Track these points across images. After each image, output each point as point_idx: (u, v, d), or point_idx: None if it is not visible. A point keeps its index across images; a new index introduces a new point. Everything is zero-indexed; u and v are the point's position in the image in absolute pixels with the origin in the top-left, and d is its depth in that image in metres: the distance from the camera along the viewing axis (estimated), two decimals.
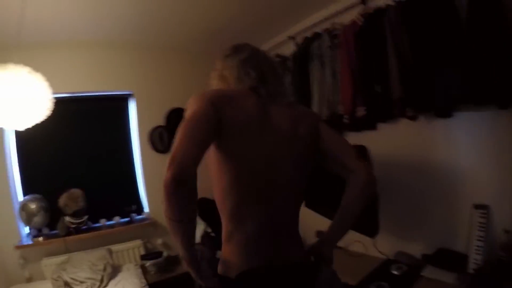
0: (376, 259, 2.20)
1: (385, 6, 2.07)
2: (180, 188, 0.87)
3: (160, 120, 3.60)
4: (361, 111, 2.26)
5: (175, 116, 3.59)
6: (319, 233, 2.74)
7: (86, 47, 3.23)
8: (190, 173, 0.88)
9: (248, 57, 1.21)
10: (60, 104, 2.56)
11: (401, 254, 2.12)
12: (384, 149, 2.18)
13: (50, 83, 2.22)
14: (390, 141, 2.24)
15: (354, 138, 2.38)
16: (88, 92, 3.32)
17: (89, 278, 2.72)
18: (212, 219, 3.02)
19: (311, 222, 2.29)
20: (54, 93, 2.28)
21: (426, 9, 1.80)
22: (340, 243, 2.42)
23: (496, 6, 1.54)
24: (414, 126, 2.06)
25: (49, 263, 2.90)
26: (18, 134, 3.05)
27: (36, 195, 3.06)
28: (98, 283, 2.73)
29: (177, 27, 3.05)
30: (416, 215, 2.13)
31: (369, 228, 1.94)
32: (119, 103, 3.58)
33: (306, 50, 2.67)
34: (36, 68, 2.14)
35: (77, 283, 2.68)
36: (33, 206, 2.96)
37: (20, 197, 3.13)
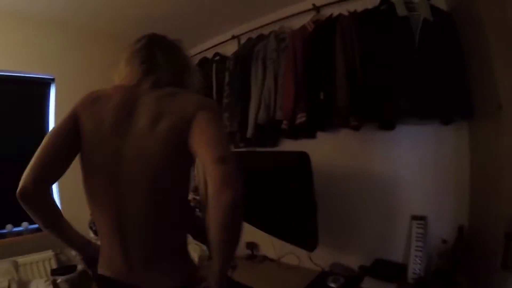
0: (311, 271, 2.07)
1: (338, 15, 2.08)
2: (25, 203, 0.93)
3: None
4: (301, 118, 2.18)
5: None
6: (248, 245, 2.57)
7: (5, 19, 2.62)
8: (29, 190, 0.92)
9: (140, 48, 1.13)
10: None
11: (337, 265, 2.03)
12: (322, 159, 2.04)
13: None
14: (329, 150, 2.19)
15: (291, 145, 2.32)
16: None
17: None
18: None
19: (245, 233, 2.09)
20: None
21: (381, 23, 1.84)
22: (272, 255, 2.42)
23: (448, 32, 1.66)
24: (355, 136, 2.04)
25: None
26: None
27: None
28: None
29: (115, 11, 2.71)
30: (352, 226, 2.08)
31: (307, 241, 1.77)
32: (36, 89, 2.88)
33: (249, 50, 2.57)
34: None
35: None
36: None
37: None
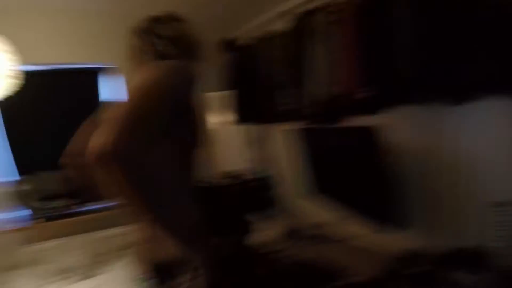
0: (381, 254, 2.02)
1: None
2: None
3: None
4: (363, 93, 2.11)
5: None
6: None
7: (65, 15, 2.95)
8: None
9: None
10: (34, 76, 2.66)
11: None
12: (389, 136, 1.96)
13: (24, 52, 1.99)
14: (395, 128, 2.03)
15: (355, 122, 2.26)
16: (66, 63, 3.05)
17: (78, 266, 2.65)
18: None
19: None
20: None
21: None
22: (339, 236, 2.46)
23: None
24: (425, 112, 1.89)
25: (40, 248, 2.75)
26: None
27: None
28: (87, 272, 2.65)
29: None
30: (427, 209, 1.99)
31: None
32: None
33: (299, 26, 2.50)
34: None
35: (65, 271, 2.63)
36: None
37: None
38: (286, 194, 3.28)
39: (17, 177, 2.85)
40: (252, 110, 3.10)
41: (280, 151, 3.23)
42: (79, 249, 2.75)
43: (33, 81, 2.35)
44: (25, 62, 2.05)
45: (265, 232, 2.57)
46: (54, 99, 3.05)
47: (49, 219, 2.80)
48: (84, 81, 3.23)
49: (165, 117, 0.99)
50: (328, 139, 2.47)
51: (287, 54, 2.65)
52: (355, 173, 2.17)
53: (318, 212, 2.71)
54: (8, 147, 2.92)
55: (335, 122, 2.47)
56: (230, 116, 3.36)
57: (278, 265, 2.14)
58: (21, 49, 1.98)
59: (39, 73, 2.92)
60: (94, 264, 2.69)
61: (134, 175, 0.85)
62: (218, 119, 3.56)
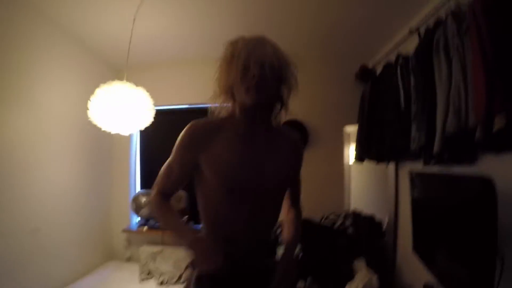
0: None
1: None
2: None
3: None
4: (500, 122, 1.51)
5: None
6: None
7: (186, 64, 3.54)
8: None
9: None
10: (173, 114, 3.50)
11: None
12: None
13: (158, 97, 2.57)
14: None
15: (491, 162, 1.68)
16: (197, 104, 3.49)
17: (169, 272, 3.04)
18: (307, 242, 2.67)
19: None
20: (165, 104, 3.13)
21: None
22: None
23: None
24: None
25: (146, 250, 3.26)
26: (143, 136, 3.51)
27: (149, 191, 3.32)
28: (175, 278, 3.01)
29: (287, 36, 2.88)
30: None
31: None
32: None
33: (428, 42, 2.02)
34: (142, 85, 2.39)
35: (158, 272, 3.06)
36: (143, 199, 3.22)
37: (137, 189, 3.47)
38: (399, 245, 2.68)
39: (150, 191, 3.30)
40: (378, 146, 2.63)
41: (404, 195, 2.62)
42: (180, 259, 3.08)
43: (163, 118, 2.74)
44: (157, 104, 2.46)
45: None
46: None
47: (152, 228, 3.28)
48: None
49: None
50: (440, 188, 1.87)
51: (417, 77, 2.17)
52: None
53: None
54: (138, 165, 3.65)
55: (472, 161, 1.85)
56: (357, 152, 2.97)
57: None
58: (152, 96, 2.37)
59: (168, 112, 3.46)
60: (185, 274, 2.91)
61: None
62: (349, 154, 3.25)
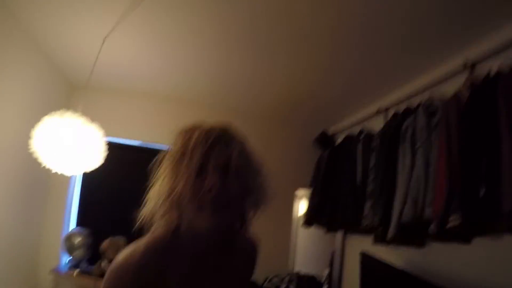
0: None
1: (497, 73, 1.47)
2: None
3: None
4: (454, 221, 1.55)
5: None
6: None
7: (151, 98, 3.35)
8: None
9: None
10: (124, 150, 3.25)
11: None
12: (479, 270, 1.60)
13: (113, 128, 2.30)
14: (489, 260, 1.57)
15: (440, 250, 1.81)
16: (152, 142, 3.32)
17: None
18: None
19: None
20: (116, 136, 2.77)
21: None
22: None
23: None
24: None
25: None
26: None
27: (85, 230, 3.07)
28: None
29: (254, 91, 2.90)
30: None
31: None
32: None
33: (396, 129, 2.08)
34: (99, 110, 2.31)
35: None
36: (77, 239, 2.97)
37: (72, 227, 3.17)
38: None
39: (85, 231, 3.05)
40: (330, 216, 2.65)
41: (351, 269, 2.66)
42: None
43: (111, 152, 2.47)
44: (109, 135, 2.27)
45: None
46: (128, 172, 3.28)
47: (101, 276, 2.88)
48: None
49: None
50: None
51: (378, 160, 2.22)
52: None
53: None
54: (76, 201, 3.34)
55: (420, 246, 1.96)
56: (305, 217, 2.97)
57: None
58: (106, 125, 2.21)
59: (117, 146, 3.17)
60: None
61: None
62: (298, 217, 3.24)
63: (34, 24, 2.27)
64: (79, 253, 2.97)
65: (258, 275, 2.92)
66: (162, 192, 0.81)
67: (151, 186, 0.86)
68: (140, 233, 0.88)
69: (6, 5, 2.10)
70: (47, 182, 3.09)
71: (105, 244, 2.95)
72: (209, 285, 0.90)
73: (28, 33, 2.40)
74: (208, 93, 3.07)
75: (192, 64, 2.54)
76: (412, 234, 1.89)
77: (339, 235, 2.86)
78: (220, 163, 0.78)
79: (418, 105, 1.97)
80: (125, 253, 0.81)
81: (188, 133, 0.83)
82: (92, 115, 2.11)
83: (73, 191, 3.24)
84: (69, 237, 2.96)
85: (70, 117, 1.90)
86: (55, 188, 3.13)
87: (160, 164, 0.86)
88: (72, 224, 3.25)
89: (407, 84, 2.21)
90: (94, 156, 2.05)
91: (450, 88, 1.79)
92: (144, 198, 0.86)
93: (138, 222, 0.84)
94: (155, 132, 3.17)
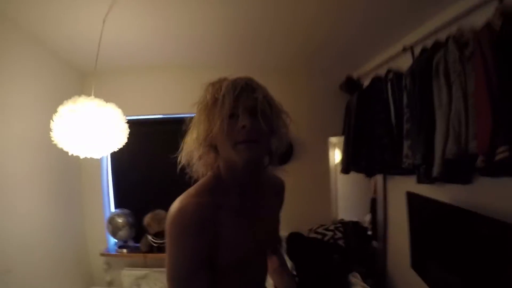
0: None
1: None
2: None
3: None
4: (502, 153, 1.51)
5: None
6: None
7: (164, 70, 3.27)
8: None
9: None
10: (146, 126, 3.23)
11: None
12: None
13: (131, 106, 2.28)
14: None
15: (490, 186, 1.72)
16: (173, 113, 3.28)
17: None
18: (299, 259, 2.63)
19: None
20: (142, 114, 2.93)
21: None
22: None
23: None
24: None
25: (128, 274, 3.10)
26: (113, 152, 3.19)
27: (125, 210, 3.14)
28: None
29: (274, 47, 2.80)
30: None
31: None
32: None
33: (426, 64, 1.98)
34: (114, 91, 2.31)
35: None
36: (120, 220, 3.07)
37: (112, 209, 3.28)
38: (394, 261, 2.74)
39: (126, 211, 3.14)
40: (368, 160, 2.62)
41: (394, 208, 2.69)
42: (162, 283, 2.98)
43: (135, 130, 2.42)
44: (129, 114, 2.19)
45: None
46: (155, 147, 3.29)
47: (149, 251, 3.05)
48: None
49: None
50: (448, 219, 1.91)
51: (411, 98, 2.14)
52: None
53: None
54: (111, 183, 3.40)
55: (467, 182, 1.90)
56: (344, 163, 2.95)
57: None
58: (123, 104, 2.16)
59: (140, 122, 3.17)
60: None
61: None
62: (335, 165, 3.24)
63: (33, 21, 2.26)
64: (123, 233, 3.06)
65: (303, 226, 3.03)
66: (199, 135, 0.96)
67: (187, 133, 1.00)
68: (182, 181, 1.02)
69: (4, 11, 2.09)
70: (79, 170, 3.16)
71: (147, 218, 3.04)
72: (255, 216, 1.06)
73: (29, 32, 2.38)
74: (224, 56, 2.97)
75: (201, 28, 2.42)
76: (458, 170, 1.86)
77: (379, 178, 2.85)
78: (248, 106, 0.90)
79: (448, 38, 1.86)
80: (180, 201, 0.93)
81: (216, 84, 0.96)
82: (107, 97, 2.06)
83: (106, 175, 3.30)
84: (111, 219, 3.05)
85: (83, 101, 1.86)
86: (88, 175, 3.21)
87: (196, 113, 0.98)
88: (112, 206, 3.34)
89: (432, 18, 2.07)
90: (117, 135, 2.05)
91: (478, 19, 1.67)
92: (181, 146, 1.01)
93: (178, 166, 1.01)
94: (174, 103, 3.12)
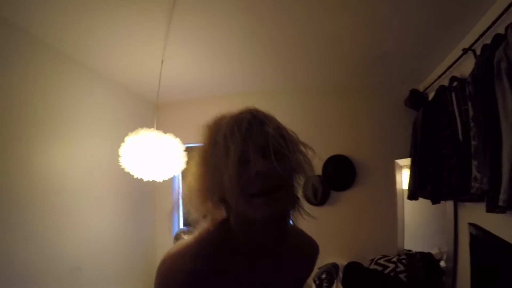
0: None
1: None
2: None
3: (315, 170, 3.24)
4: None
5: (333, 165, 3.04)
6: None
7: (224, 100, 3.40)
8: None
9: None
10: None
11: None
12: None
13: (190, 135, 2.40)
14: None
15: None
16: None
17: None
18: None
19: None
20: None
21: None
22: None
23: None
24: None
25: None
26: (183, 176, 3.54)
27: (191, 228, 3.27)
28: None
29: (326, 67, 2.74)
30: None
31: None
32: None
33: (487, 64, 1.65)
34: (173, 122, 2.63)
35: None
36: (185, 236, 3.15)
37: (181, 226, 3.59)
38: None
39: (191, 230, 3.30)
40: (434, 184, 2.23)
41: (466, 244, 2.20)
42: None
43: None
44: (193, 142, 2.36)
45: None
46: None
47: None
48: None
49: None
50: None
51: (475, 109, 1.79)
52: None
53: None
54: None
55: None
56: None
57: None
58: (190, 132, 2.29)
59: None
60: None
61: None
62: (402, 189, 2.87)
63: (102, 63, 2.68)
64: None
65: (365, 255, 2.75)
66: (202, 191, 0.75)
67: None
68: None
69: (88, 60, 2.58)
70: (152, 192, 3.49)
71: None
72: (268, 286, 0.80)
73: (98, 72, 2.83)
74: (280, 80, 3.02)
75: (257, 58, 2.56)
76: None
77: (449, 205, 2.41)
78: (260, 145, 0.69)
79: (507, 28, 1.52)
80: (173, 259, 0.73)
81: (213, 125, 0.77)
82: (167, 127, 2.33)
83: (177, 195, 3.53)
84: (177, 235, 3.24)
85: (144, 133, 2.12)
86: (160, 195, 3.51)
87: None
88: (180, 224, 3.59)
89: (491, 8, 1.75)
90: (175, 161, 2.21)
91: None
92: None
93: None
94: None
